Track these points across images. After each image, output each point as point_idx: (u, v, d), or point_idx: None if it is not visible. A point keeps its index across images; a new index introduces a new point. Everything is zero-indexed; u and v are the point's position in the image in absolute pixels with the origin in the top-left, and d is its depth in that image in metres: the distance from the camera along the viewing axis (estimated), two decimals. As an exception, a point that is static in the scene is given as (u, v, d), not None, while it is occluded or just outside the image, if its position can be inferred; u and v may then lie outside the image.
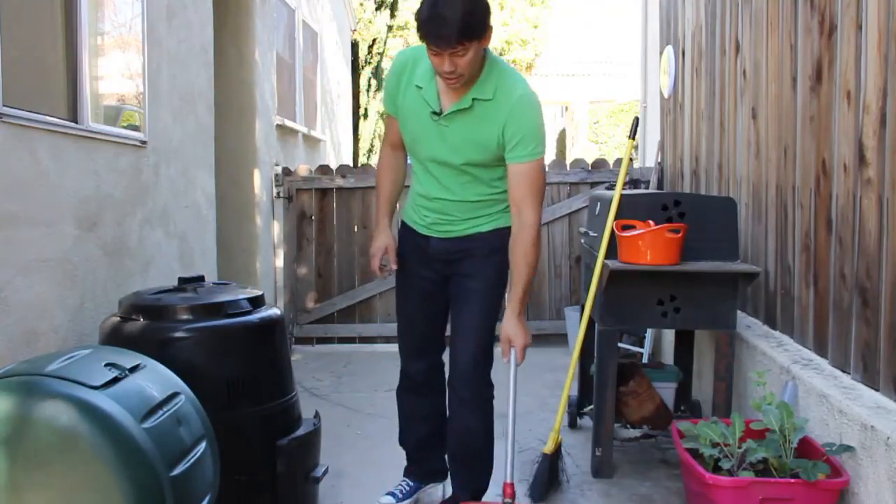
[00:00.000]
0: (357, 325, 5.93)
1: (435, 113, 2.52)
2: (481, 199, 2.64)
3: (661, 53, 5.56)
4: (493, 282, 2.70)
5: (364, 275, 5.91)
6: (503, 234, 2.65)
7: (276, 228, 6.00)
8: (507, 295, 2.74)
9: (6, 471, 1.86)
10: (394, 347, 3.00)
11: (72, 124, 3.16)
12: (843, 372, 2.70)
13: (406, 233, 2.83)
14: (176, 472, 2.00)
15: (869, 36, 2.51)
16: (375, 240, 2.83)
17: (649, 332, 4.95)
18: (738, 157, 3.88)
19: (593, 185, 5.81)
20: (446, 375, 2.80)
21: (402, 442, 3.05)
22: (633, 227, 3.19)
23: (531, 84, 2.60)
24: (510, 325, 2.59)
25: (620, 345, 4.40)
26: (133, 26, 3.77)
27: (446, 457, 2.93)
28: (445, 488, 3.06)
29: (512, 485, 2.69)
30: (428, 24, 2.32)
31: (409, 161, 2.90)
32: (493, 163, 2.57)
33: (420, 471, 3.04)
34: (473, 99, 2.47)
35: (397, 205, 2.96)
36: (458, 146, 2.54)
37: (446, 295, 2.78)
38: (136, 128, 3.79)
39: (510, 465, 2.67)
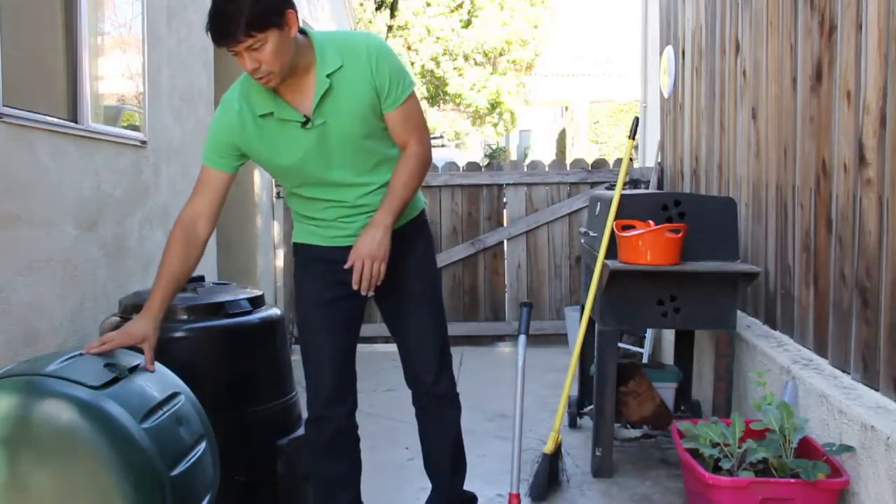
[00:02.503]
0: (357, 325, 5.91)
1: (304, 123, 2.23)
2: None
3: (661, 53, 5.56)
4: (434, 278, 2.57)
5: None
6: (426, 221, 2.57)
7: (276, 228, 5.99)
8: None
9: (6, 470, 1.86)
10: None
11: (72, 124, 3.16)
12: (844, 372, 2.70)
13: (310, 254, 2.45)
14: (176, 472, 2.00)
15: (869, 36, 2.51)
16: (131, 324, 2.22)
17: (649, 332, 4.95)
18: (738, 157, 3.88)
19: (593, 185, 5.80)
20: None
21: None
22: (633, 227, 3.19)
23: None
24: (362, 236, 2.24)
25: (620, 345, 4.40)
26: (133, 26, 3.77)
27: (429, 464, 2.64)
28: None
29: (518, 496, 2.68)
30: (212, 23, 2.11)
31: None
32: (385, 127, 2.34)
33: None
34: (327, 76, 2.19)
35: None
36: (345, 134, 2.26)
37: (362, 311, 2.50)
38: (136, 128, 3.79)
39: (516, 475, 2.66)
